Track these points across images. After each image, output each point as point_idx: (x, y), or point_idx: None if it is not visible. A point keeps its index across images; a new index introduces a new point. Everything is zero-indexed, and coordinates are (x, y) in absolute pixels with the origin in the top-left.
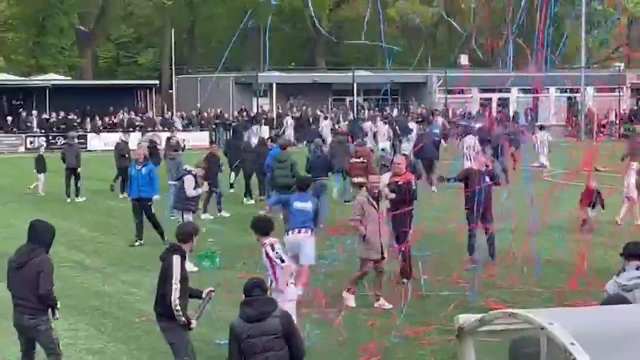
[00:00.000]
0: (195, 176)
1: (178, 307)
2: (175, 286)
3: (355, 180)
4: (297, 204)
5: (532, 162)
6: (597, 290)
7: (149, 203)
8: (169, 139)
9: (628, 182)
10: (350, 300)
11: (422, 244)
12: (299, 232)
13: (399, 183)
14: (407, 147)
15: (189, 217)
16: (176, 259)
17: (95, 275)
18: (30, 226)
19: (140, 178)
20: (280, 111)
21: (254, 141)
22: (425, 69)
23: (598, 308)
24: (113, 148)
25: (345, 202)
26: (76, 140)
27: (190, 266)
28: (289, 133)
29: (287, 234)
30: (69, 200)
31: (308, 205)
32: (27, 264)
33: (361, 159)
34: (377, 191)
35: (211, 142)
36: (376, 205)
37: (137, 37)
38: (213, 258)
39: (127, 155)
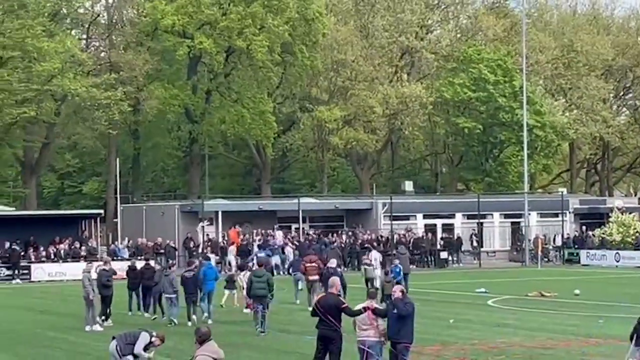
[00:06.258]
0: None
1: None
2: None
3: (310, 278)
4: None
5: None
6: None
7: None
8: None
9: None
10: None
11: None
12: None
13: None
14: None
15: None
16: None
17: None
18: None
19: None
20: (225, 239)
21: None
22: (370, 196)
23: None
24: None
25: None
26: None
27: None
28: (230, 259)
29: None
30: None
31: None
32: None
33: (314, 264)
34: None
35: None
36: None
37: (82, 166)
38: None
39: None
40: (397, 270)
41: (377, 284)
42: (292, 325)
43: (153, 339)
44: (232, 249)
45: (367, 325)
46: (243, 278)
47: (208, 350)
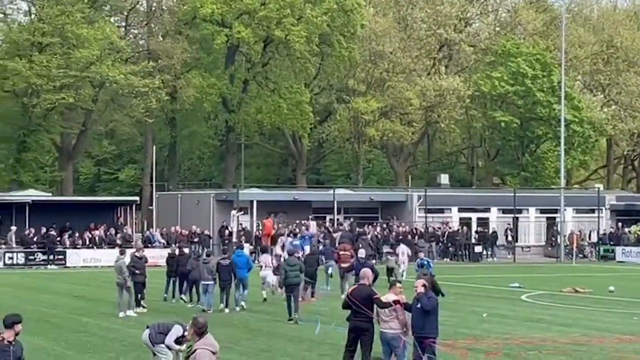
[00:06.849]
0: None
1: None
2: None
3: (343, 265)
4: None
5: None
6: None
7: None
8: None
9: None
10: None
11: None
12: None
13: None
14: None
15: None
16: None
17: None
18: None
19: None
20: (260, 229)
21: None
22: (405, 188)
23: None
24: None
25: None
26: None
27: None
28: (278, 251)
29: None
30: (138, 309)
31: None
32: None
33: (347, 252)
34: None
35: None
36: None
37: (118, 153)
38: None
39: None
40: (425, 262)
41: (400, 275)
42: (324, 315)
43: (186, 332)
44: (281, 240)
45: (388, 317)
46: (262, 259)
47: (207, 343)
